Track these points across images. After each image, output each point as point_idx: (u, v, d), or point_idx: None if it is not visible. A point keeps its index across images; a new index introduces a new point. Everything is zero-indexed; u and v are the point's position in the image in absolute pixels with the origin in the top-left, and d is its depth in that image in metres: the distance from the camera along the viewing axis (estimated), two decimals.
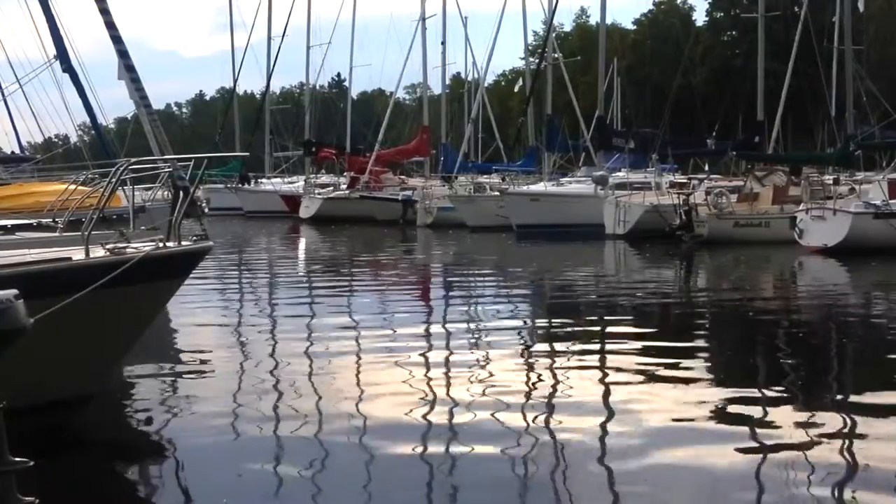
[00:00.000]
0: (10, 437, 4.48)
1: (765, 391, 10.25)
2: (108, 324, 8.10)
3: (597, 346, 12.73)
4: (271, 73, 63.84)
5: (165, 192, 11.34)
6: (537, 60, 57.71)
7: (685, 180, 40.29)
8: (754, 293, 20.56)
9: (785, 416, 8.86)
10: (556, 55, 54.85)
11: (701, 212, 31.89)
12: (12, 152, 27.79)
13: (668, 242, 30.79)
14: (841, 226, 26.90)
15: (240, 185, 58.96)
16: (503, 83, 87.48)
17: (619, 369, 10.95)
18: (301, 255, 33.80)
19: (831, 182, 30.66)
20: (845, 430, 8.43)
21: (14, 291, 4.69)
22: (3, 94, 26.71)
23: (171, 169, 9.15)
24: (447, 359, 11.87)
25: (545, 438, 8.10)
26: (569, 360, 11.78)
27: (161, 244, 8.31)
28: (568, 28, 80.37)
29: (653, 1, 75.70)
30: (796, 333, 14.71)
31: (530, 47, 67.04)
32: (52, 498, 5.28)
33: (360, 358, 11.73)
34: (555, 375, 10.75)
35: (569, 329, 14.56)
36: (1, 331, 4.60)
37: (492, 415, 8.71)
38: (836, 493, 6.73)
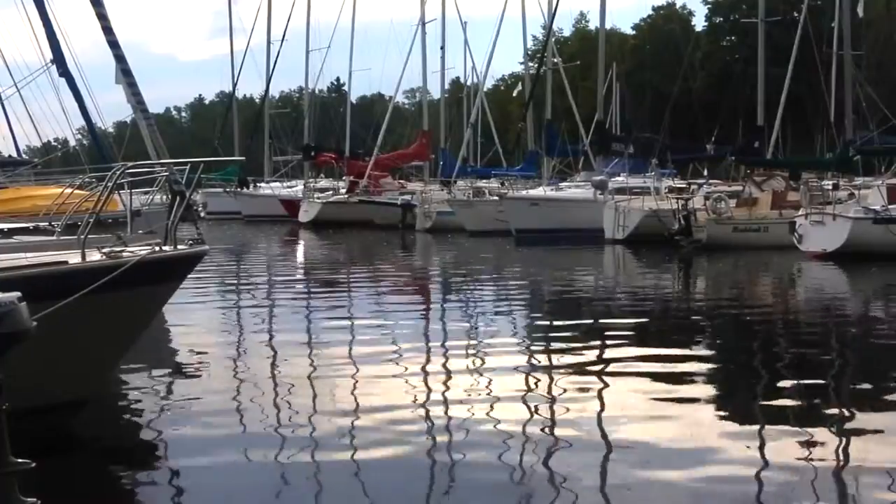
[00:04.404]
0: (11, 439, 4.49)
1: (764, 396, 10.23)
2: (104, 327, 8.09)
3: (595, 355, 12.66)
4: (270, 77, 63.98)
5: (162, 196, 11.34)
6: (537, 65, 57.77)
7: (684, 185, 40.29)
8: (753, 299, 20.55)
9: (784, 420, 8.84)
10: (555, 60, 54.89)
11: (700, 217, 31.89)
12: (10, 156, 27.76)
13: (667, 247, 30.77)
14: (840, 231, 26.87)
15: (238, 189, 58.95)
16: (502, 88, 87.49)
17: (618, 377, 10.93)
18: (299, 259, 33.77)
19: (830, 187, 30.63)
20: (844, 434, 8.43)
21: (17, 294, 4.70)
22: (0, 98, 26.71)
23: (167, 173, 9.15)
24: (446, 365, 11.82)
25: (544, 446, 8.06)
26: (566, 368, 11.72)
27: (157, 248, 8.30)
28: (567, 33, 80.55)
29: (652, 6, 75.86)
30: (796, 340, 14.68)
31: (529, 52, 67.07)
32: (53, 499, 5.28)
33: (357, 363, 11.69)
34: (553, 383, 10.72)
35: (567, 336, 14.52)
36: (5, 333, 4.61)
37: (490, 425, 8.69)
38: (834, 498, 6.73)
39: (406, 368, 11.21)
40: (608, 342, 13.55)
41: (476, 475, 7.32)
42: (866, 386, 10.83)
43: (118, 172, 8.98)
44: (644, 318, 16.53)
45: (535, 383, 10.63)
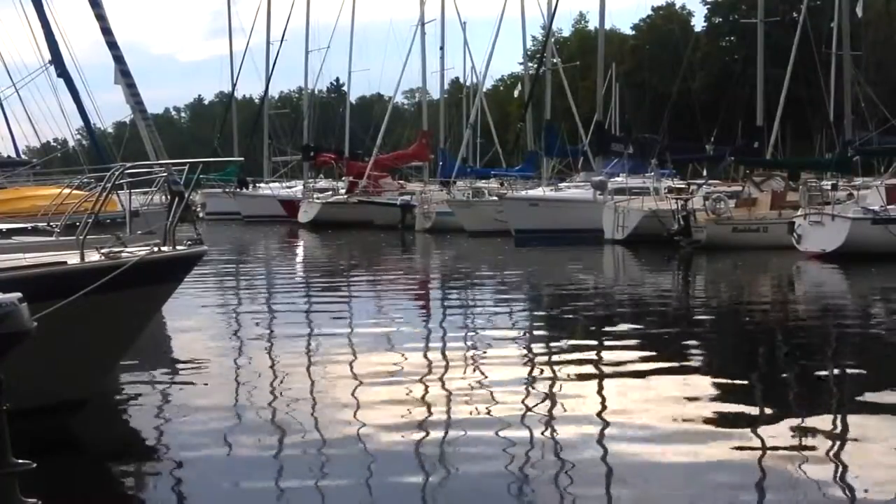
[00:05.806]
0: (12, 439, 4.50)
1: (762, 398, 10.24)
2: (104, 327, 8.09)
3: (593, 356, 12.66)
4: (270, 77, 63.93)
5: (161, 197, 11.35)
6: (536, 65, 57.78)
7: (683, 185, 40.29)
8: (752, 299, 20.55)
9: (782, 422, 8.85)
10: (554, 60, 54.90)
11: (699, 217, 31.90)
12: (8, 156, 27.75)
13: (666, 247, 30.78)
14: (839, 231, 26.88)
15: (238, 190, 58.94)
16: (502, 88, 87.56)
17: (617, 377, 10.96)
18: (299, 260, 33.78)
19: (829, 187, 30.65)
20: (842, 436, 8.44)
21: (18, 295, 4.71)
22: None
23: (166, 173, 9.16)
24: (445, 366, 11.81)
25: (542, 446, 8.08)
26: (566, 369, 11.73)
27: (156, 248, 8.31)
28: (567, 33, 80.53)
29: (652, 6, 75.79)
30: (794, 340, 14.69)
31: (529, 52, 67.10)
32: (53, 499, 5.29)
33: (357, 366, 11.69)
34: (552, 384, 10.75)
35: (566, 337, 14.50)
36: (5, 333, 4.61)
37: (492, 428, 8.69)
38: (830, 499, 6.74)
39: (405, 370, 11.21)
40: (607, 343, 13.57)
41: (476, 476, 7.33)
42: (864, 386, 10.81)
43: (117, 173, 8.99)
44: (643, 319, 16.52)
45: (535, 384, 10.63)
